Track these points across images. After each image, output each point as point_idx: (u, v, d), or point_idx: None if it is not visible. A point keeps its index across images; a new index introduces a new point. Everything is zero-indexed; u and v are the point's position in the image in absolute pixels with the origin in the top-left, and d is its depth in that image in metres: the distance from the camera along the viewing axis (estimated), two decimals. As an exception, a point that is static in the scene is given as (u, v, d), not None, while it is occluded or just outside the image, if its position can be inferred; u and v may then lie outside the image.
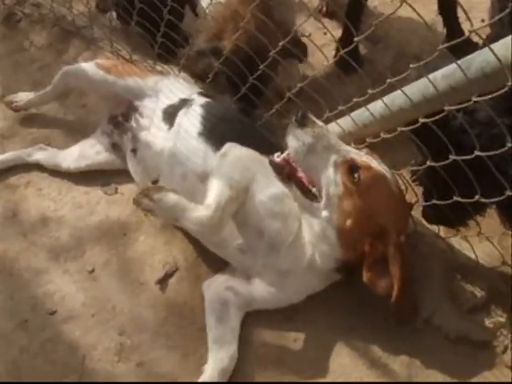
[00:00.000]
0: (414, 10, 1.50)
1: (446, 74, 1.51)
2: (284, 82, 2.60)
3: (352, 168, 1.89)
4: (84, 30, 3.36)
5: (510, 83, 1.25)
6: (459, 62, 1.44)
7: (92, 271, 2.41)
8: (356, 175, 1.88)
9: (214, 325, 2.13)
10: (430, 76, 1.56)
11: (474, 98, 1.40)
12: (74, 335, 2.24)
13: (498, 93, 1.32)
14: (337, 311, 2.16)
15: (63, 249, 2.50)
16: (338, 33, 2.91)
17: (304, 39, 2.58)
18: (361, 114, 1.99)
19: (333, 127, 2.18)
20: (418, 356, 2.03)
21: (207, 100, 2.53)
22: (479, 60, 1.38)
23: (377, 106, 1.87)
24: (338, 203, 1.90)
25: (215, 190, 2.08)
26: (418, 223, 2.19)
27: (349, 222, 1.91)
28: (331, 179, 1.91)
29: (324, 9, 3.14)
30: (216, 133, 2.35)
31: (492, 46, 1.31)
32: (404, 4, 1.55)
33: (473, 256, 2.07)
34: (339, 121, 2.14)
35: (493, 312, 2.04)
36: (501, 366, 1.96)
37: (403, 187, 2.08)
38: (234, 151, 2.20)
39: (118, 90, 2.67)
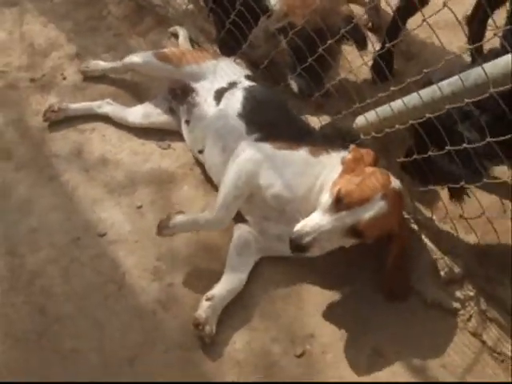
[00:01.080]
0: (438, 39, 1.97)
1: (450, 83, 1.95)
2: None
3: (357, 233, 2.23)
4: (158, 9, 3.82)
5: (491, 90, 1.70)
6: (460, 74, 1.89)
7: (140, 207, 2.85)
8: (361, 234, 2.23)
9: (233, 256, 2.54)
10: (439, 83, 2.00)
11: (466, 100, 1.86)
12: (119, 255, 2.67)
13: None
14: (341, 266, 2.55)
15: (118, 185, 2.94)
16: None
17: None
18: (383, 109, 2.42)
19: (360, 119, 2.64)
20: (399, 314, 2.43)
21: (251, 84, 2.93)
22: (474, 74, 1.83)
23: (396, 104, 2.31)
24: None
25: (222, 192, 2.50)
26: (417, 210, 2.60)
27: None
28: (346, 244, 2.30)
29: (370, 24, 3.59)
30: (252, 116, 2.73)
31: (483, 65, 1.77)
32: (438, 30, 2.03)
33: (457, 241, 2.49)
34: (365, 114, 2.58)
35: (465, 286, 2.41)
36: (464, 331, 2.36)
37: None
38: (246, 152, 2.56)
39: (176, 76, 3.10)
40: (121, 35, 3.80)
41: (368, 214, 2.19)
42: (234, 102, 2.81)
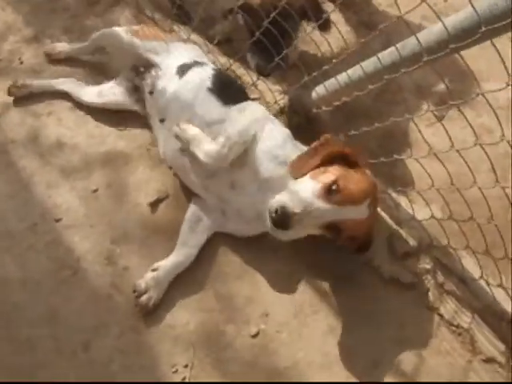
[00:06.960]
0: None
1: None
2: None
3: (334, 229, 2.15)
4: (115, -12, 3.75)
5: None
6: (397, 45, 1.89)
7: (96, 190, 2.81)
8: (338, 232, 2.16)
9: (185, 231, 2.57)
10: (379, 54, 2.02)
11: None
12: (74, 240, 2.65)
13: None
14: (296, 243, 2.42)
15: (73, 170, 2.90)
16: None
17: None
18: (330, 83, 2.46)
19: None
20: (356, 291, 2.41)
21: (216, 67, 2.97)
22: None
23: (342, 76, 2.31)
24: None
25: (228, 133, 2.47)
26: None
27: None
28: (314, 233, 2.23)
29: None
30: (225, 91, 2.75)
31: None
32: None
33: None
34: (316, 88, 2.59)
35: (422, 260, 2.40)
36: (421, 305, 2.34)
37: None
38: (250, 108, 2.61)
39: (143, 51, 3.06)
40: (78, 16, 3.69)
41: (353, 215, 2.14)
42: (203, 78, 2.82)
